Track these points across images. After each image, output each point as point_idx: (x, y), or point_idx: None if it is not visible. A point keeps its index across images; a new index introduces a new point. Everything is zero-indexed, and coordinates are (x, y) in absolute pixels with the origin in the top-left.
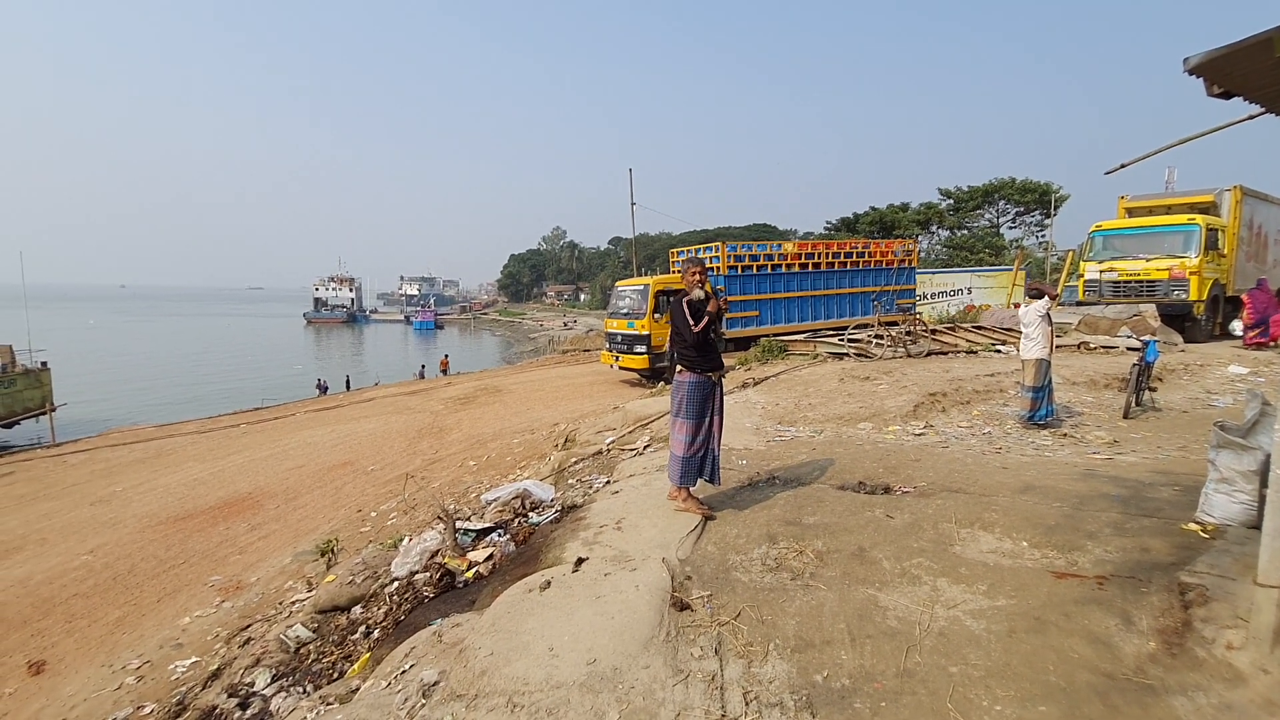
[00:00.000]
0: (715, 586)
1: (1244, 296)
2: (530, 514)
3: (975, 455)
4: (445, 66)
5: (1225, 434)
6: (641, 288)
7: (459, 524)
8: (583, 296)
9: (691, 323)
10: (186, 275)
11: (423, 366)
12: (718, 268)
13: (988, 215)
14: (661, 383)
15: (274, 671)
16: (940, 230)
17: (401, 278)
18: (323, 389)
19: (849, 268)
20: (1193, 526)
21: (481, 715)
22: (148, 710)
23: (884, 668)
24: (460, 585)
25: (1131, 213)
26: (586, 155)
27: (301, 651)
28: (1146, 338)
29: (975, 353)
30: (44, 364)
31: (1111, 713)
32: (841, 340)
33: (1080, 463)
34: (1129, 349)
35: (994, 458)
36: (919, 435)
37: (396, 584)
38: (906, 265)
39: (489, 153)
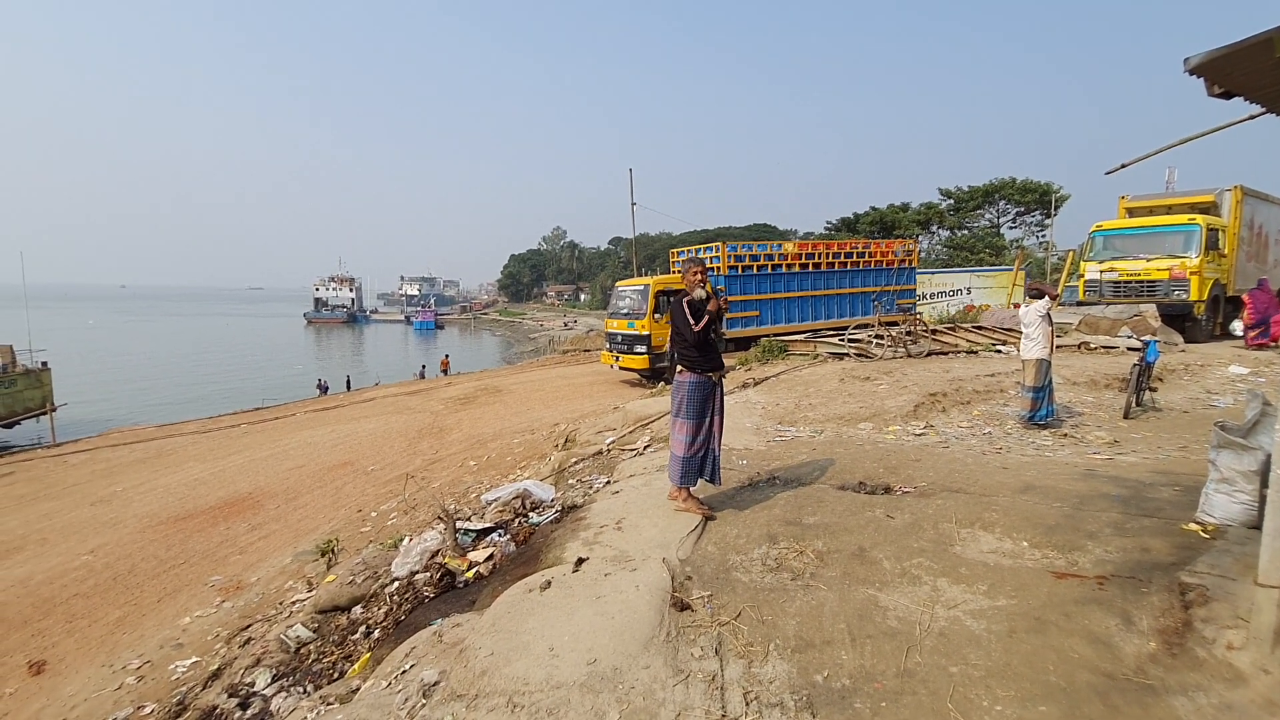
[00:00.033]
0: (715, 586)
1: (1244, 297)
2: (530, 514)
3: (975, 455)
4: (445, 66)
5: (1226, 434)
6: (642, 288)
7: (459, 524)
8: (583, 296)
9: (692, 321)
10: (187, 275)
11: (423, 366)
12: (718, 268)
13: (988, 215)
14: (662, 383)
15: (274, 671)
16: (940, 230)
17: (402, 278)
18: (323, 389)
19: (849, 268)
20: (1193, 526)
21: (482, 715)
22: (148, 710)
23: (884, 668)
24: (460, 585)
25: (1132, 213)
26: (586, 155)
27: (302, 651)
28: (1147, 338)
29: (975, 353)
30: (44, 364)
31: (1112, 713)
32: (842, 340)
33: (1080, 463)
34: (1129, 349)
35: (994, 458)
36: (919, 435)
37: (397, 584)
38: (907, 265)
39: (489, 153)
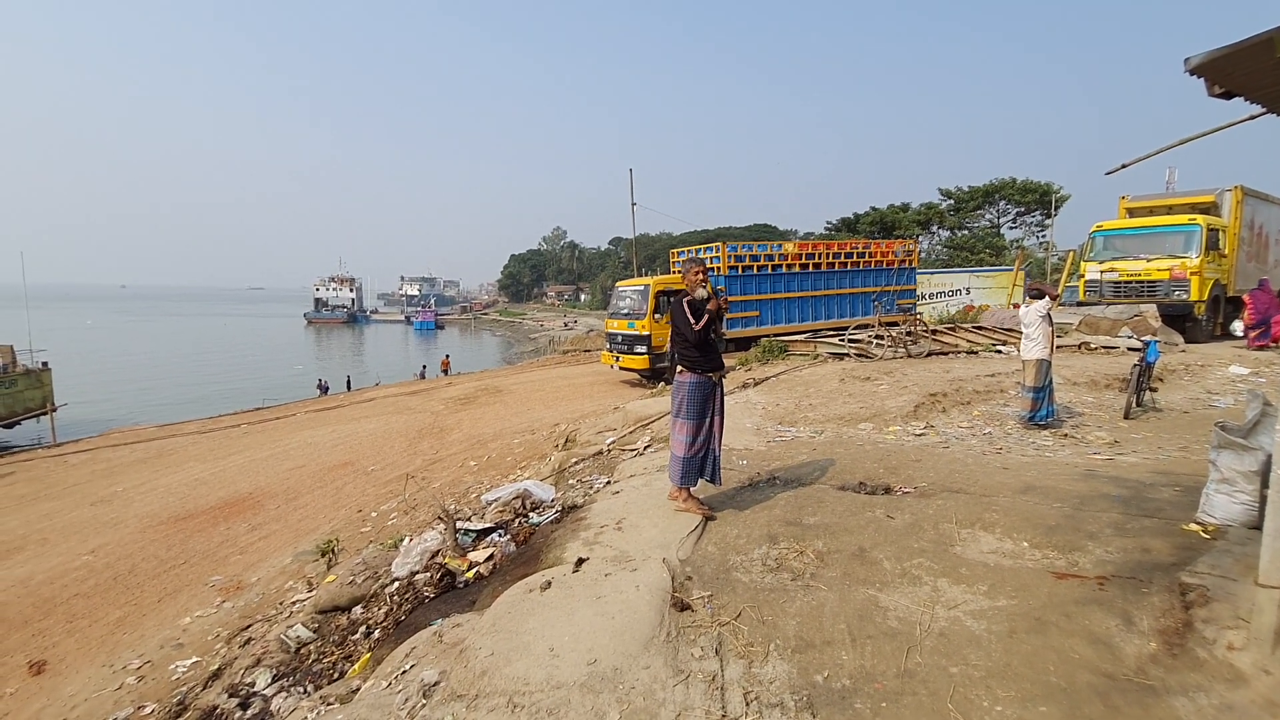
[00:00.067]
0: (716, 587)
1: (1245, 297)
2: (531, 514)
3: (976, 456)
4: (445, 66)
5: (1226, 434)
6: (642, 288)
7: (459, 524)
8: (583, 297)
9: (692, 320)
10: (187, 275)
11: (424, 367)
12: (718, 268)
13: (988, 215)
14: (662, 383)
15: (274, 671)
16: (941, 230)
17: (402, 278)
18: (323, 389)
19: (849, 268)
20: (1194, 527)
21: (482, 715)
22: (148, 710)
23: (885, 668)
24: (461, 585)
25: (1132, 213)
26: (587, 155)
27: (302, 651)
28: (1147, 338)
29: (976, 353)
30: (45, 364)
31: (1112, 713)
32: (842, 340)
33: (1081, 463)
34: (1130, 349)
35: (994, 458)
36: (919, 435)
37: (397, 584)
38: (907, 265)
39: (489, 153)
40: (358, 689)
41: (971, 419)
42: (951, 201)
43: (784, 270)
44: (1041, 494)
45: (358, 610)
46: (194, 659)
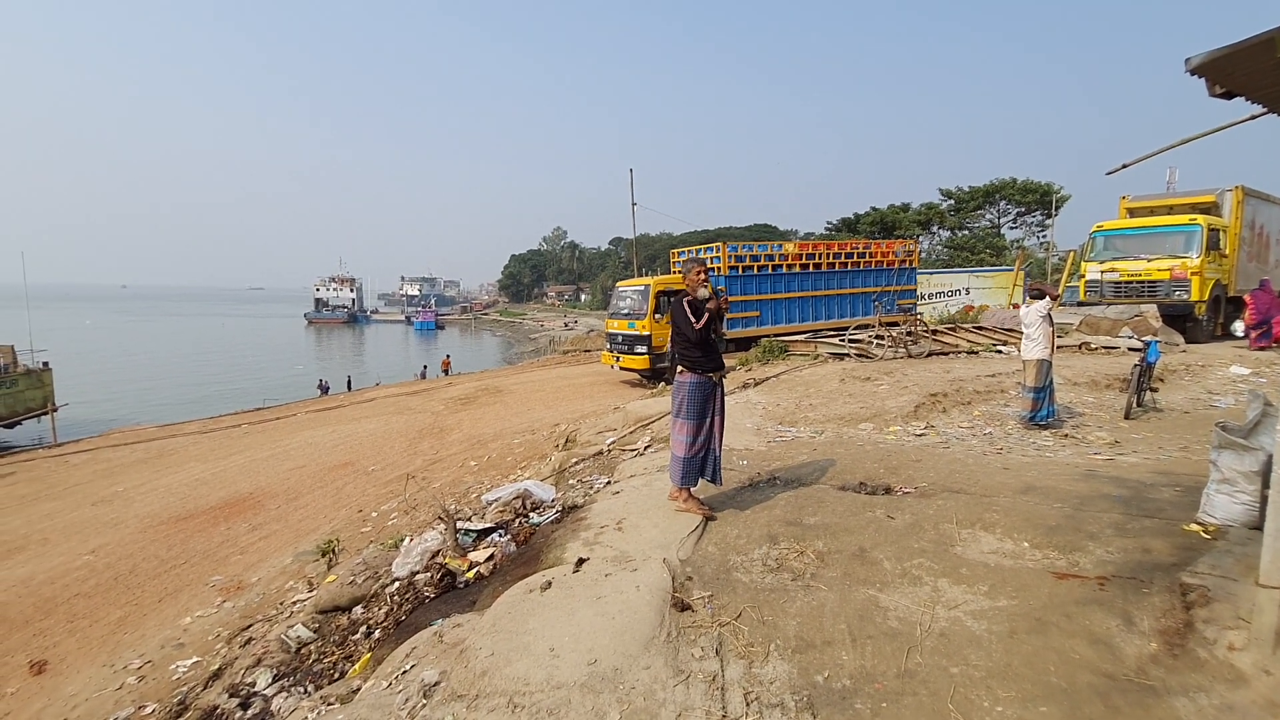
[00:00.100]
0: (716, 587)
1: (1246, 297)
2: (531, 514)
3: (976, 456)
4: (445, 66)
5: (1227, 434)
6: (642, 288)
7: (460, 524)
8: (583, 297)
9: (693, 320)
10: (187, 275)
11: (424, 367)
12: (719, 268)
13: (989, 215)
14: (662, 383)
15: (275, 671)
16: (941, 230)
17: (402, 278)
18: (324, 389)
19: (850, 268)
20: (1194, 527)
21: (482, 715)
22: (149, 710)
23: (885, 668)
24: (461, 585)
25: (1133, 213)
26: (587, 155)
27: (302, 651)
28: (1148, 338)
29: (976, 353)
30: (45, 364)
31: (1113, 714)
32: (842, 341)
33: (1081, 463)
34: (1130, 349)
35: (995, 458)
36: (920, 436)
37: (397, 584)
38: (907, 266)
39: (489, 153)
40: (358, 689)
41: (972, 419)
42: (952, 202)
43: (784, 270)
44: (1042, 494)
45: (358, 610)
46: (194, 659)
